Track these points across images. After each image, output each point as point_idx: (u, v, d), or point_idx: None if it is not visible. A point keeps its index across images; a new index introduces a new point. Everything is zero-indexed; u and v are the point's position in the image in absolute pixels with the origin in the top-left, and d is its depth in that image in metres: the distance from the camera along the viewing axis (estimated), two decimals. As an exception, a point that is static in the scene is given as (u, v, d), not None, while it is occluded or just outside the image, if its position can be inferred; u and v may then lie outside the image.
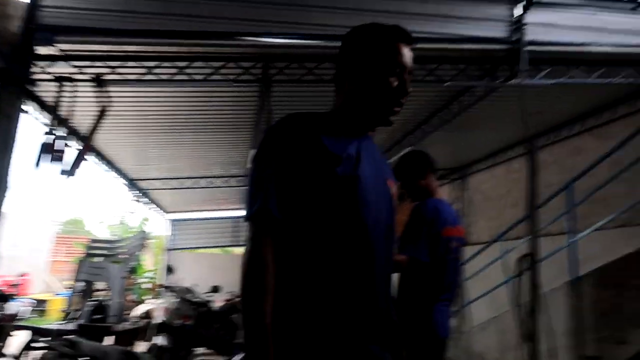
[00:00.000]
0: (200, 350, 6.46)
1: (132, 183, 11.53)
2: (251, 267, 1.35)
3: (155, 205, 14.46)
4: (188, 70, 5.63)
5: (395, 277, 2.63)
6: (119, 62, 5.30)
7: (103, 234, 22.76)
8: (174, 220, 16.45)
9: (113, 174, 10.26)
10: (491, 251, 8.04)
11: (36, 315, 14.22)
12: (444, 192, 13.99)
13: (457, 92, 8.14)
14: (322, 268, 1.39)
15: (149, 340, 6.46)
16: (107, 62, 5.26)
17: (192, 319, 7.28)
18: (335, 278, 1.38)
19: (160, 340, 5.70)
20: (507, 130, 9.77)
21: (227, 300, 11.21)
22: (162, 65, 5.49)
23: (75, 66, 5.21)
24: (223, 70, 5.85)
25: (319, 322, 1.34)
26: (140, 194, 12.42)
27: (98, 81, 5.12)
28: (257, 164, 1.50)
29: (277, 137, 1.52)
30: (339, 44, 1.81)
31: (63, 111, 5.39)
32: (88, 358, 3.05)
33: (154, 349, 5.75)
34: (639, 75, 7.11)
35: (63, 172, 5.25)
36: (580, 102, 8.48)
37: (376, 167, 1.59)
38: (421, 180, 2.77)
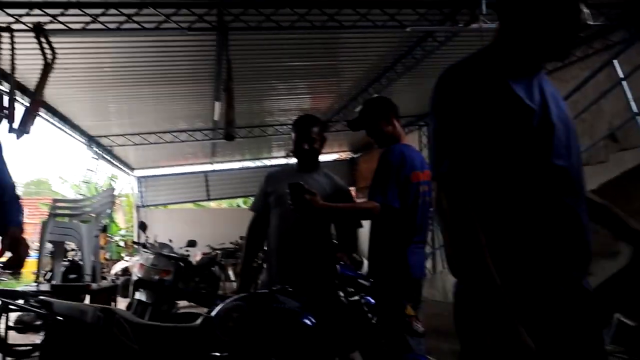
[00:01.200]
0: (182, 303, 6.50)
1: (92, 140, 11.20)
2: (462, 225, 1.31)
3: (120, 163, 14.16)
4: (137, 18, 5.36)
5: (365, 224, 2.65)
6: (59, 10, 4.99)
7: (69, 193, 22.27)
8: (141, 177, 16.18)
9: (69, 131, 9.91)
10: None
11: (5, 279, 14.06)
12: (412, 139, 14.09)
13: (420, 38, 8.04)
14: (531, 216, 1.36)
15: (130, 297, 6.46)
16: (46, 10, 4.94)
17: (171, 274, 7.28)
18: (547, 223, 1.36)
19: (139, 296, 5.70)
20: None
21: (205, 254, 11.26)
22: (108, 12, 5.20)
23: (11, 15, 4.89)
24: (175, 18, 5.59)
25: (537, 258, 1.35)
26: (103, 151, 12.11)
27: (37, 30, 4.82)
28: (442, 116, 1.44)
29: (463, 84, 1.41)
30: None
31: (4, 65, 5.11)
32: (63, 317, 3.06)
33: (134, 304, 5.75)
34: (594, 17, 7.14)
35: (12, 130, 5.03)
36: (541, 45, 8.48)
37: (557, 105, 1.48)
38: (386, 125, 2.73)
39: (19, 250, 2.22)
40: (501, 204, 1.38)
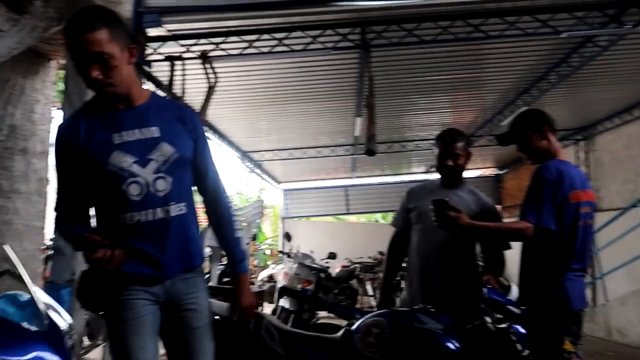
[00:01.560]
0: (322, 314, 6.71)
1: (245, 155, 12.14)
2: None
3: (268, 176, 15.13)
4: (287, 42, 5.72)
5: (515, 246, 2.47)
6: (221, 38, 5.54)
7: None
8: (286, 190, 17.10)
9: (227, 147, 10.88)
10: (627, 218, 7.27)
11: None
12: (567, 155, 12.86)
13: (577, 44, 7.35)
14: None
15: (274, 302, 6.82)
16: (211, 39, 5.52)
17: (312, 284, 7.57)
18: None
19: (283, 303, 6.00)
20: (638, 83, 8.67)
21: (344, 267, 11.51)
22: (262, 38, 5.63)
23: (183, 45, 5.54)
24: (321, 39, 5.85)
25: None
26: (253, 166, 13.06)
27: (204, 58, 5.40)
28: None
29: None
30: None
31: (176, 89, 5.80)
32: (220, 317, 3.37)
33: (279, 310, 6.07)
34: None
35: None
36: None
37: None
38: (540, 140, 2.52)
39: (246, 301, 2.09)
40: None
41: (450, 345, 1.93)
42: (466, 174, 2.98)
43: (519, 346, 1.92)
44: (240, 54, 5.75)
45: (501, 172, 16.01)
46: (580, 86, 9.11)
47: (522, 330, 2.00)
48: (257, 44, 5.68)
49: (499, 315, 1.98)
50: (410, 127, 11.51)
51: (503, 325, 1.96)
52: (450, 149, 2.84)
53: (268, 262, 17.04)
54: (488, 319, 1.93)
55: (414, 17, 5.87)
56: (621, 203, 10.23)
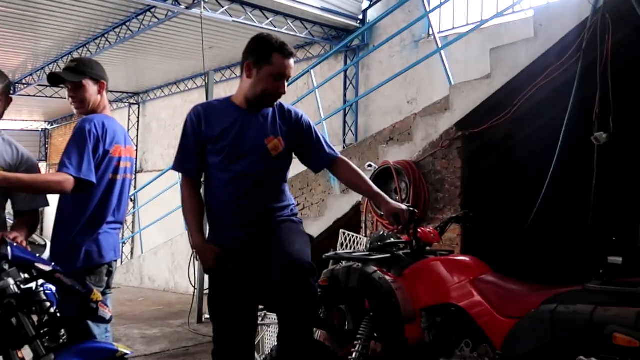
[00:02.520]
0: None
1: None
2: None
3: None
4: None
5: (53, 198, 2.25)
6: None
7: None
8: None
9: None
10: (166, 179, 8.06)
11: None
12: (121, 116, 13.25)
13: (138, 11, 7.61)
14: None
15: None
16: None
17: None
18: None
19: None
20: (187, 59, 9.77)
21: None
22: None
23: None
24: None
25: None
26: None
27: None
28: None
29: None
30: None
31: None
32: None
33: None
34: (300, 30, 8.10)
35: None
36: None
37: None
38: (96, 92, 2.38)
39: None
40: None
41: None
42: (8, 125, 2.59)
43: (47, 304, 1.82)
44: None
45: (50, 128, 14.96)
46: (138, 52, 9.48)
47: (53, 289, 1.91)
48: None
49: (26, 275, 1.82)
50: None
51: (30, 286, 1.82)
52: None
53: None
54: (11, 280, 1.75)
55: None
56: (163, 166, 11.38)
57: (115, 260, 2.37)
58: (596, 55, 2.89)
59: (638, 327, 1.31)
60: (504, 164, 4.46)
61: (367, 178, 2.23)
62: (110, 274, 2.32)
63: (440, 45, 4.51)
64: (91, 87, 2.36)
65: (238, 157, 2.04)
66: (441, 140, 3.71)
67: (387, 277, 2.12)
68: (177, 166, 2.14)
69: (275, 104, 2.12)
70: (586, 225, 3.02)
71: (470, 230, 3.87)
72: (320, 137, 2.20)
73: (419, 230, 2.24)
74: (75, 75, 2.34)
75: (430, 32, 5.20)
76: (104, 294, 2.23)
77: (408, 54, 7.43)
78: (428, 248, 2.31)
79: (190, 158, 2.10)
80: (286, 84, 2.05)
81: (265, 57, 2.01)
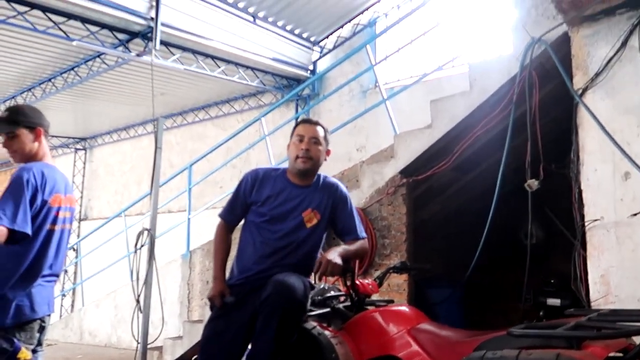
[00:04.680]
0: None
1: None
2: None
3: None
4: None
5: None
6: None
7: None
8: None
9: None
10: (111, 227, 7.78)
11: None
12: (66, 163, 12.84)
13: (88, 57, 7.57)
14: None
15: None
16: None
17: None
18: None
19: None
20: (137, 105, 9.71)
21: None
22: None
23: None
24: None
25: None
26: None
27: None
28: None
29: None
30: None
31: None
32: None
33: None
34: (252, 78, 8.26)
35: None
36: (204, 92, 9.20)
37: None
38: (32, 140, 2.31)
39: None
40: None
41: None
42: None
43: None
44: None
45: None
46: (86, 97, 9.34)
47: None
48: None
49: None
50: None
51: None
52: None
53: None
54: None
55: None
56: (109, 213, 11.01)
57: (49, 315, 2.25)
58: (526, 108, 3.10)
59: (558, 369, 1.36)
60: (447, 210, 4.61)
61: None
62: (42, 329, 2.20)
63: (385, 96, 4.70)
64: (26, 136, 2.31)
65: (275, 222, 2.31)
66: (387, 187, 3.82)
67: (327, 332, 2.12)
68: (224, 215, 2.45)
69: (320, 179, 2.42)
70: (524, 269, 3.13)
71: (417, 275, 3.94)
72: (354, 213, 2.43)
73: (357, 282, 2.27)
74: (7, 126, 2.29)
75: (377, 83, 5.43)
76: (34, 351, 2.11)
77: (357, 104, 7.69)
78: (368, 299, 2.33)
79: (235, 212, 2.43)
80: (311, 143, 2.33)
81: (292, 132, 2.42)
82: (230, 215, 2.43)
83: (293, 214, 2.29)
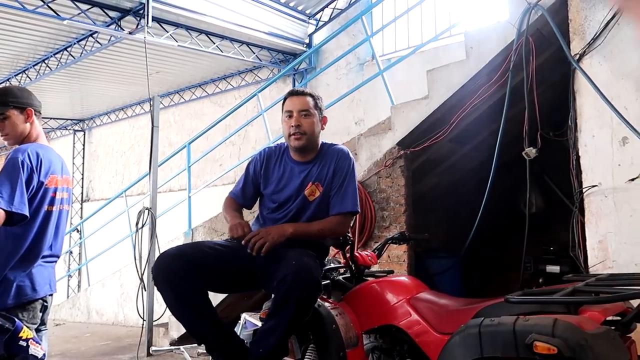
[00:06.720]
0: None
1: None
2: None
3: None
4: None
5: None
6: None
7: None
8: None
9: None
10: (113, 207, 7.81)
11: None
12: (65, 144, 12.82)
13: (80, 36, 7.47)
14: None
15: None
16: None
17: None
18: None
19: None
20: (133, 85, 9.62)
21: None
22: None
23: None
24: None
25: None
26: None
27: None
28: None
29: None
30: None
31: None
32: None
33: None
34: (247, 54, 8.16)
35: None
36: (200, 69, 9.10)
37: None
38: (23, 122, 2.28)
39: None
40: None
41: None
42: None
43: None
44: None
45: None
46: (81, 78, 9.26)
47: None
48: None
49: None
50: None
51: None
52: None
53: None
54: None
55: None
56: (111, 193, 11.04)
57: (51, 295, 2.27)
58: (523, 76, 3.06)
59: (555, 334, 1.35)
60: (446, 182, 4.60)
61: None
62: (45, 309, 2.22)
63: (382, 68, 4.65)
64: (17, 117, 2.28)
65: (282, 207, 2.31)
66: (384, 160, 3.80)
67: (327, 304, 2.13)
68: (234, 193, 2.44)
69: (324, 147, 2.36)
70: (523, 236, 3.14)
71: (417, 246, 3.96)
72: (345, 185, 2.31)
73: (356, 253, 2.28)
74: None
75: (374, 55, 5.36)
76: (38, 330, 2.13)
77: (354, 76, 7.60)
78: (367, 270, 2.35)
79: (245, 191, 2.43)
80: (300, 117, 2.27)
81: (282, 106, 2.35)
82: (241, 192, 2.43)
83: (297, 194, 2.28)
